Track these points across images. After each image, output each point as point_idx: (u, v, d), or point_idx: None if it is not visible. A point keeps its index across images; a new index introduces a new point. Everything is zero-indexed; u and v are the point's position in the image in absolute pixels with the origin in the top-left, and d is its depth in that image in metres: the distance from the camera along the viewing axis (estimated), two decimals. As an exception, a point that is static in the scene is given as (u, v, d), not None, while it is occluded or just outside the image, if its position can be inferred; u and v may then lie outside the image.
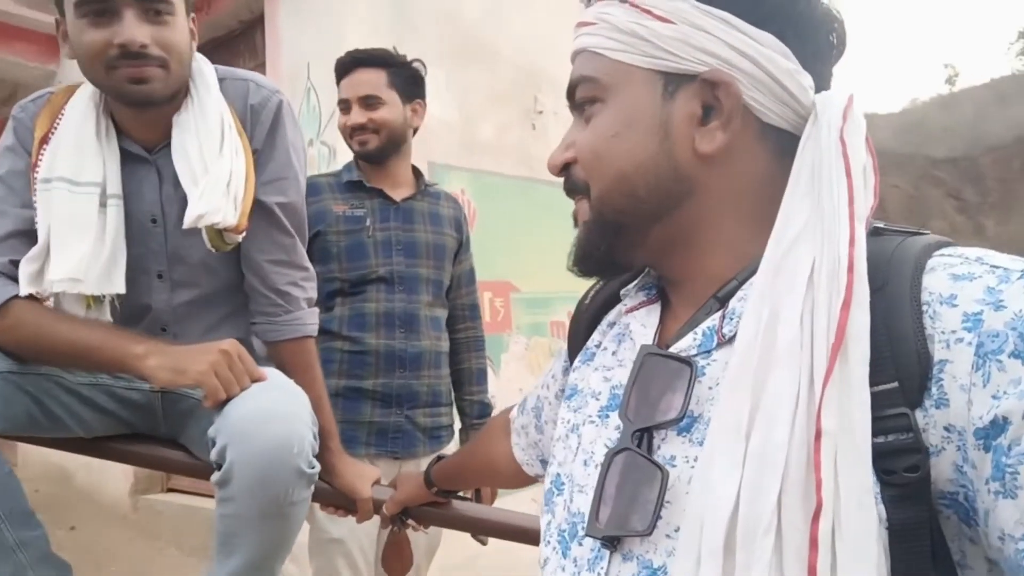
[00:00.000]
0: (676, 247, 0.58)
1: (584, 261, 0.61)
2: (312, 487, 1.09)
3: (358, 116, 1.67)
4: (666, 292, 0.63)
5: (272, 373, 1.16)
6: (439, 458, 1.21)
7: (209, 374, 1.05)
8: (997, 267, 0.44)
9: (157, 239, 1.20)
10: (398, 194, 1.74)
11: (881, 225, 0.53)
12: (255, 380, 1.09)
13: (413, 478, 1.24)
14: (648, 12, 0.54)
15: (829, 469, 0.42)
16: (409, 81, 1.75)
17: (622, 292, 0.68)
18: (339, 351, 1.64)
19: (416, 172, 1.84)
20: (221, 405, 1.05)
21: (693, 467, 0.50)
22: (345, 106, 1.70)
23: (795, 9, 0.54)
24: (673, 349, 0.55)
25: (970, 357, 0.41)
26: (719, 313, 0.54)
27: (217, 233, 1.15)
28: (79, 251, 1.08)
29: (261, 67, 3.16)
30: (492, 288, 3.74)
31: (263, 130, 1.22)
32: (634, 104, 0.56)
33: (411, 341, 1.68)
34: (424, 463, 1.68)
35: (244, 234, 1.17)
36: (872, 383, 0.43)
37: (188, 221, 1.10)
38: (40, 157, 1.11)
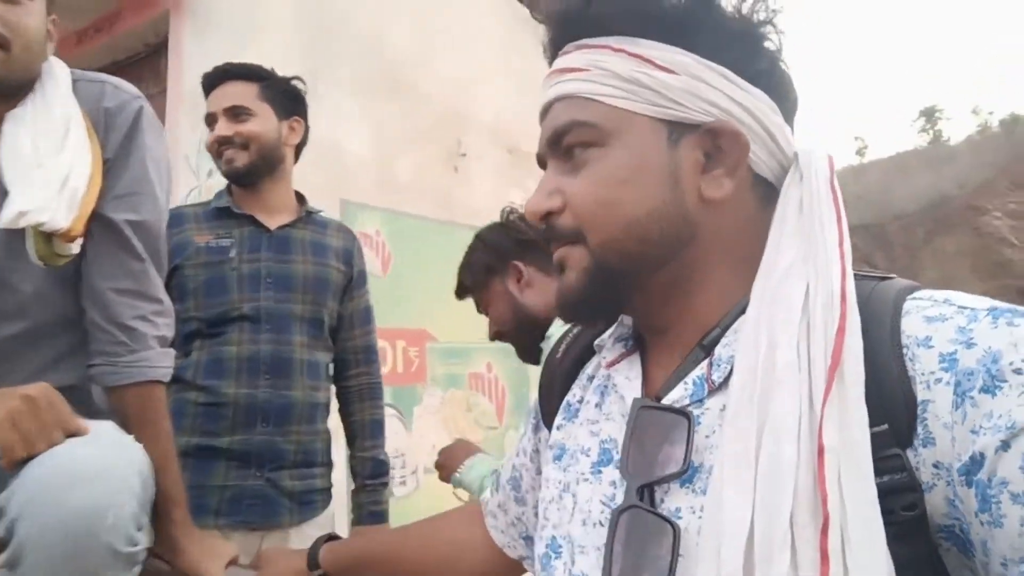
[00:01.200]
0: (673, 292, 0.59)
1: (578, 308, 0.61)
2: (135, 569, 0.88)
3: (223, 128, 1.49)
4: (643, 341, 0.64)
5: (99, 427, 0.94)
6: (330, 537, 1.01)
7: (4, 426, 0.84)
8: (964, 307, 0.47)
9: None
10: (273, 221, 1.55)
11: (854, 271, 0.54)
12: (71, 434, 0.89)
13: (286, 558, 1.02)
14: (650, 62, 0.55)
15: (834, 483, 0.43)
16: (286, 96, 1.59)
17: (596, 343, 0.68)
18: (192, 403, 1.41)
19: (299, 197, 1.65)
20: (22, 465, 0.84)
21: (700, 517, 0.50)
22: (211, 120, 1.51)
23: (777, 70, 0.58)
24: (665, 401, 0.56)
25: (950, 396, 0.43)
26: (706, 361, 0.55)
27: (45, 241, 0.95)
28: None
29: (163, 93, 2.96)
30: (406, 336, 3.55)
31: (118, 137, 1.05)
32: (642, 151, 0.56)
33: (278, 390, 1.45)
34: (293, 536, 1.47)
35: (77, 244, 0.98)
36: (871, 423, 0.45)
37: (5, 219, 0.91)
38: None
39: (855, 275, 0.52)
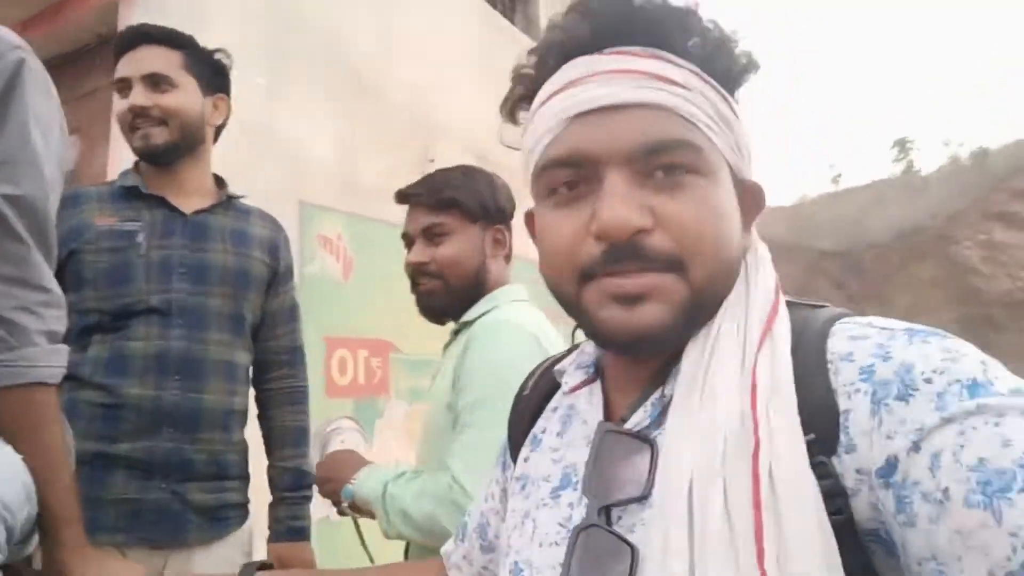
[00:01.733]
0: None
1: (656, 343, 0.54)
2: None
3: (141, 97, 1.32)
4: (602, 367, 0.65)
5: None
6: (262, 565, 0.89)
7: None
8: (885, 328, 0.50)
9: None
10: (188, 205, 1.39)
11: (789, 299, 0.57)
12: None
13: None
14: (726, 100, 0.55)
15: (763, 413, 0.47)
16: (212, 70, 1.44)
17: (556, 370, 0.69)
18: (87, 404, 1.25)
19: (218, 181, 1.50)
20: None
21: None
22: (123, 86, 1.34)
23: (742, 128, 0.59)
24: (628, 425, 0.57)
25: (868, 405, 0.46)
26: (663, 385, 0.57)
27: None
28: None
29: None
30: (368, 347, 3.39)
31: None
32: (729, 191, 0.56)
33: (188, 392, 1.30)
34: (200, 555, 1.31)
35: None
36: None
37: None
38: None
39: (793, 303, 0.56)
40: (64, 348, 0.97)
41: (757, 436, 0.46)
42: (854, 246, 15.42)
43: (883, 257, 15.15)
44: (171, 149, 1.36)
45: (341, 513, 1.24)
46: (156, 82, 1.35)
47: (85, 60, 3.11)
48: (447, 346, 1.33)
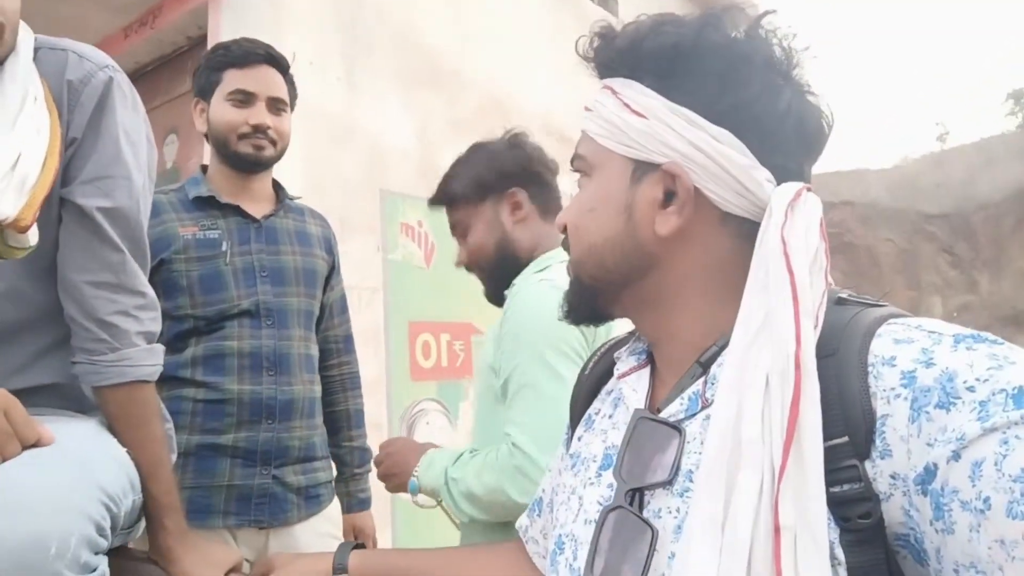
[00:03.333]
0: (646, 308, 0.65)
1: (570, 312, 0.70)
2: None
3: (265, 116, 1.43)
4: (653, 356, 0.68)
5: (69, 434, 0.89)
6: (357, 545, 0.97)
7: None
8: (933, 332, 0.49)
9: None
10: (257, 210, 1.48)
11: (845, 295, 0.57)
12: (31, 445, 0.82)
13: (302, 561, 0.98)
14: (627, 107, 0.61)
15: (789, 561, 0.45)
16: (294, 93, 1.55)
17: (615, 355, 0.74)
18: (191, 400, 1.35)
19: (275, 185, 1.58)
20: None
21: (675, 517, 0.55)
22: (244, 99, 1.43)
23: (752, 109, 0.58)
24: (663, 414, 0.60)
25: (907, 411, 0.46)
26: (702, 379, 0.59)
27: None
28: None
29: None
30: (451, 330, 3.47)
31: (84, 114, 0.96)
32: (608, 185, 0.63)
33: (281, 386, 1.40)
34: (300, 531, 1.43)
35: (34, 235, 0.89)
36: (825, 438, 0.48)
37: None
38: None
39: (848, 300, 0.56)
40: (160, 348, 1.05)
41: (778, 538, 0.45)
42: (962, 208, 14.38)
43: (995, 219, 14.05)
44: (269, 164, 1.48)
45: (417, 504, 1.28)
46: (276, 104, 1.46)
47: (179, 62, 3.29)
48: None
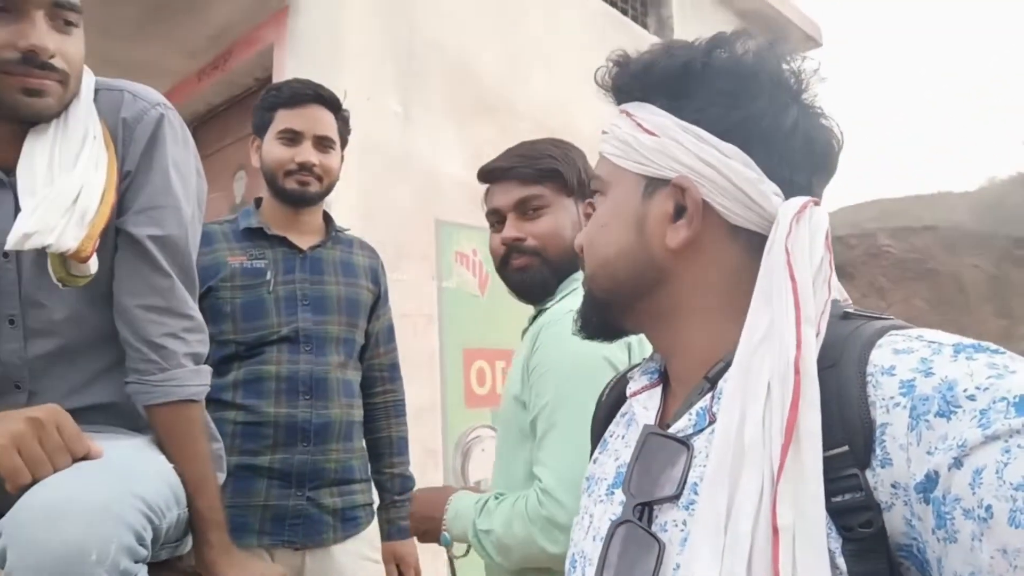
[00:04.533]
0: (658, 321, 0.66)
1: (584, 327, 0.72)
2: None
3: (311, 155, 1.50)
4: (667, 374, 0.69)
5: (114, 447, 0.94)
6: None
7: (8, 450, 0.83)
8: (933, 342, 0.50)
9: (8, 276, 1.00)
10: (304, 242, 1.54)
11: (851, 310, 0.58)
12: (80, 458, 0.88)
13: None
14: (639, 126, 0.64)
15: (787, 560, 0.45)
16: (346, 130, 1.61)
17: (628, 376, 0.76)
18: (231, 423, 1.41)
19: (326, 217, 1.64)
20: (27, 489, 0.83)
21: (682, 530, 0.55)
22: (292, 138, 1.50)
23: (759, 124, 0.60)
24: (672, 429, 0.61)
25: (906, 419, 0.46)
26: (710, 394, 0.60)
27: (61, 262, 0.94)
28: None
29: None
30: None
31: (137, 149, 1.04)
32: (621, 201, 0.66)
33: (317, 410, 1.44)
34: (337, 553, 1.46)
35: (94, 264, 0.97)
36: (826, 447, 0.48)
37: (11, 241, 0.90)
38: None
39: (853, 315, 0.56)
40: (207, 368, 1.11)
41: (777, 546, 0.46)
42: (1058, 231, 13.50)
43: (1096, 243, 13.13)
44: (315, 199, 1.54)
45: (453, 556, 1.24)
46: (323, 142, 1.52)
47: (247, 102, 3.47)
48: (525, 332, 1.24)
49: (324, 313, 1.49)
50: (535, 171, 1.18)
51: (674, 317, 0.64)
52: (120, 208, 1.04)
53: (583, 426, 1.07)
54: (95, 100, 1.04)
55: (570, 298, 1.15)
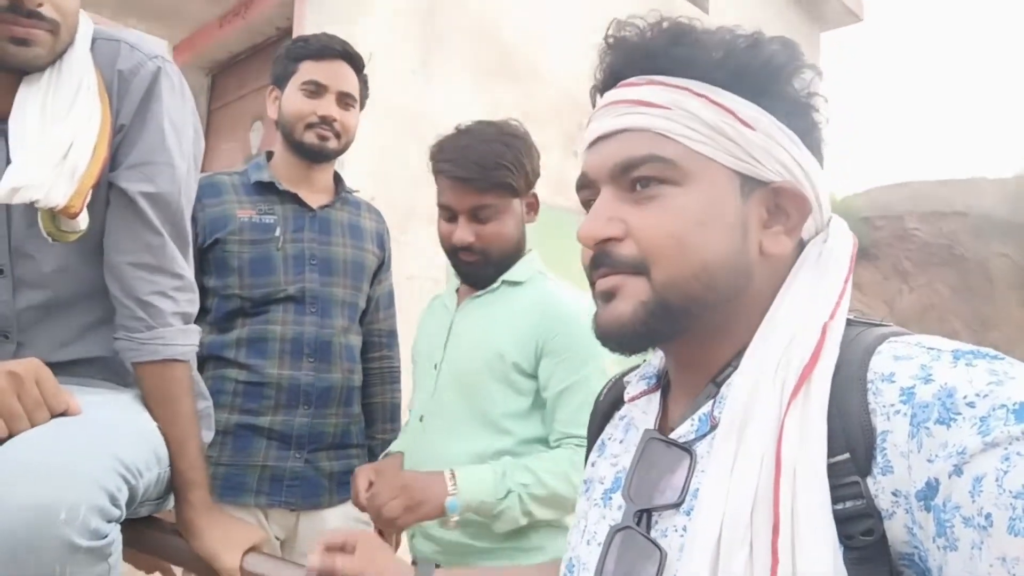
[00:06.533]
0: (714, 336, 0.61)
1: (626, 339, 0.60)
2: (110, 559, 0.85)
3: (332, 109, 1.47)
4: (668, 378, 0.68)
5: (97, 404, 0.94)
6: (438, 564, 1.00)
7: None
8: (932, 348, 0.49)
9: None
10: (315, 200, 1.51)
11: (851, 316, 0.57)
12: (59, 413, 0.88)
13: (389, 559, 0.88)
14: (733, 114, 0.58)
15: (787, 491, 0.47)
16: (365, 91, 1.58)
17: (625, 380, 0.73)
18: (233, 380, 1.40)
19: (336, 177, 1.61)
20: (2, 443, 0.83)
21: (682, 536, 0.54)
22: (318, 90, 1.46)
23: (820, 132, 0.62)
24: (674, 435, 0.60)
25: (906, 427, 0.46)
26: (713, 399, 0.59)
27: (50, 217, 0.93)
28: None
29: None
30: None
31: (132, 102, 1.01)
32: (717, 198, 0.58)
33: (320, 373, 1.44)
34: (330, 515, 1.46)
35: (84, 220, 0.95)
36: (828, 455, 0.48)
37: (0, 194, 0.89)
38: None
39: (853, 322, 0.56)
40: (196, 328, 1.09)
41: (777, 514, 0.47)
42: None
43: None
44: (332, 155, 1.51)
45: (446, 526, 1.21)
46: (346, 99, 1.50)
47: (268, 52, 3.43)
48: (472, 297, 1.34)
49: (331, 275, 1.48)
50: (488, 184, 1.24)
51: (732, 328, 0.60)
52: (113, 162, 1.01)
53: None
54: (91, 50, 1.01)
55: (543, 282, 1.31)
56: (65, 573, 0.79)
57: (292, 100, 1.47)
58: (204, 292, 1.39)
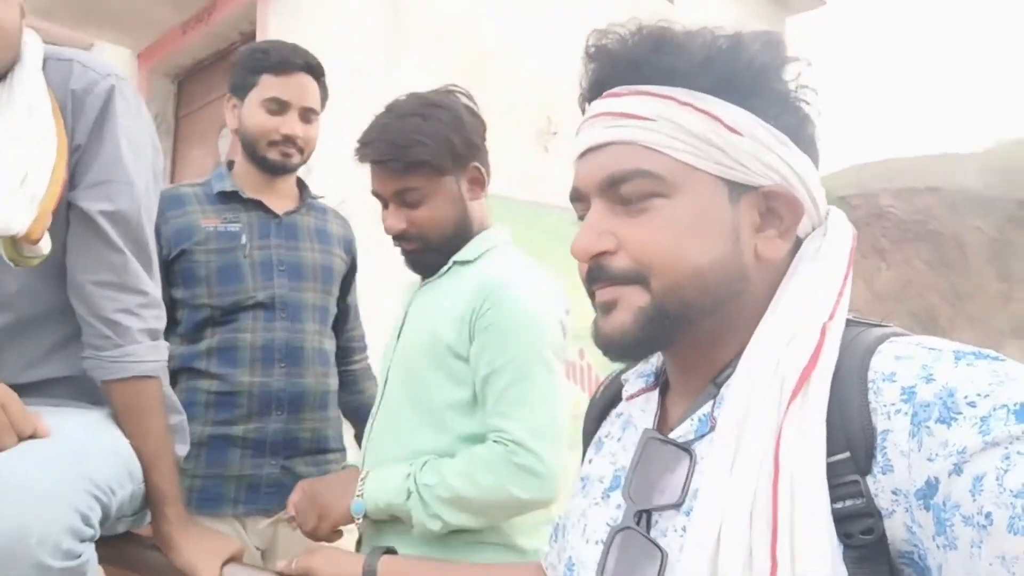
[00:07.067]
0: (716, 338, 0.61)
1: (628, 347, 0.62)
2: None
3: (296, 127, 1.45)
4: (668, 377, 0.68)
5: (69, 424, 0.95)
6: (387, 550, 0.99)
7: None
8: (933, 348, 0.50)
9: None
10: (279, 207, 1.51)
11: (851, 316, 0.57)
12: (27, 437, 0.88)
13: (336, 561, 0.99)
14: (718, 120, 0.58)
15: (786, 497, 0.48)
16: (325, 96, 1.56)
17: (623, 377, 0.73)
18: (204, 392, 1.40)
19: (300, 183, 1.61)
20: None
21: (682, 536, 0.55)
22: (280, 108, 1.44)
23: (810, 129, 0.62)
24: (673, 435, 0.61)
25: (907, 426, 0.47)
26: (713, 399, 0.59)
27: (11, 243, 0.93)
28: None
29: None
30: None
31: (87, 122, 1.01)
32: (706, 206, 0.59)
33: (292, 378, 1.44)
34: None
35: (46, 244, 0.95)
36: (828, 454, 0.49)
37: None
38: None
39: (853, 322, 0.57)
40: (163, 344, 1.10)
41: (776, 520, 0.48)
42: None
43: (1100, 206, 12.98)
44: (294, 169, 1.51)
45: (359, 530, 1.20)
46: (308, 114, 1.48)
47: (230, 57, 3.40)
48: (424, 283, 1.25)
49: (300, 279, 1.48)
50: (404, 165, 1.14)
51: (732, 329, 0.61)
52: (71, 182, 1.01)
53: (551, 381, 1.10)
54: (44, 71, 1.00)
55: (503, 259, 1.19)
56: None
57: (254, 116, 1.45)
58: (173, 304, 1.39)
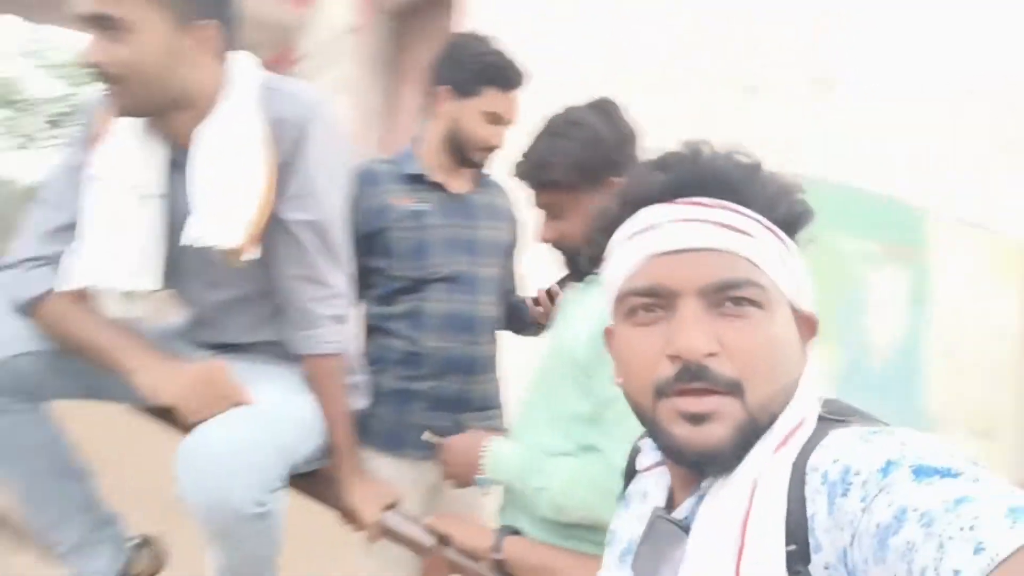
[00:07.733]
0: None
1: (727, 461, 0.61)
2: (267, 521, 1.12)
3: (503, 139, 1.60)
4: None
5: (267, 392, 1.19)
6: (514, 531, 1.18)
7: (184, 397, 1.12)
8: (852, 435, 0.56)
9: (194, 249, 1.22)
10: (457, 187, 1.66)
11: (823, 413, 0.62)
12: (236, 405, 1.13)
13: (468, 531, 1.24)
14: (786, 245, 0.65)
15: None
16: None
17: (638, 444, 0.79)
18: (395, 351, 1.60)
19: None
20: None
21: None
22: (497, 122, 1.58)
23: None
24: (676, 513, 0.65)
25: (825, 505, 0.53)
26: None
27: (227, 252, 1.17)
28: (107, 249, 1.15)
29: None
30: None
31: (290, 145, 1.20)
32: (788, 324, 0.64)
33: (468, 345, 1.62)
34: None
35: (256, 251, 1.18)
36: (787, 544, 0.54)
37: (185, 240, 1.15)
38: (91, 155, 1.18)
39: (824, 418, 0.61)
40: (346, 328, 1.33)
41: None
42: None
43: None
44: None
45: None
46: (510, 126, 1.62)
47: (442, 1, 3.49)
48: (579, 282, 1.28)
49: (476, 255, 1.63)
50: (539, 185, 1.26)
51: None
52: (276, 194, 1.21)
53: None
54: (257, 98, 1.18)
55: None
56: (237, 530, 1.08)
57: (472, 123, 1.57)
58: (371, 271, 1.59)
